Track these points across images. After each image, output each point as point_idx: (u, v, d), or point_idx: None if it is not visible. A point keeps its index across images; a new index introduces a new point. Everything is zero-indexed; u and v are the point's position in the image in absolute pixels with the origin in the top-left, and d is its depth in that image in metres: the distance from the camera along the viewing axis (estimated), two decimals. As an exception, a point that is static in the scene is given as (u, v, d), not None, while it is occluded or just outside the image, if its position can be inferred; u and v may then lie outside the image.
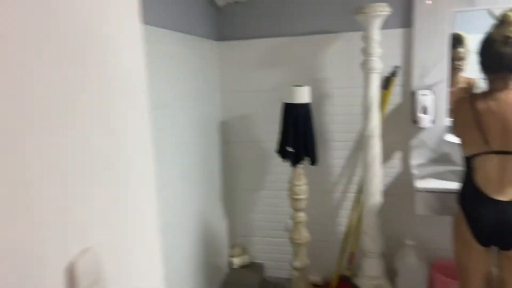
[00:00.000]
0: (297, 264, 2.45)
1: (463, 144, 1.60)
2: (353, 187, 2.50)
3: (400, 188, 2.40)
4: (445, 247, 2.24)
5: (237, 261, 2.66)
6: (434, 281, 2.24)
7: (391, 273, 2.37)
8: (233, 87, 2.60)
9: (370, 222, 2.31)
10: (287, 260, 2.53)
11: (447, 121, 2.19)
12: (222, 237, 2.64)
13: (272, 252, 2.71)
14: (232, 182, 2.69)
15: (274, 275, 2.70)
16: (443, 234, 2.01)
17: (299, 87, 2.25)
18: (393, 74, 2.27)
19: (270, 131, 2.49)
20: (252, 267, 2.68)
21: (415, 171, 2.12)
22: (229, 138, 2.65)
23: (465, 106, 1.57)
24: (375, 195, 2.28)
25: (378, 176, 2.27)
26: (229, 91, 2.61)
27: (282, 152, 2.35)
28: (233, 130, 2.64)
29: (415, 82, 2.22)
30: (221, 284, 2.51)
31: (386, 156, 2.39)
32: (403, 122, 2.32)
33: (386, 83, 2.29)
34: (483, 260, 1.60)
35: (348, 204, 2.52)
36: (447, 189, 1.81)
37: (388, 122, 2.34)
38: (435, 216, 2.06)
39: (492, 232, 1.52)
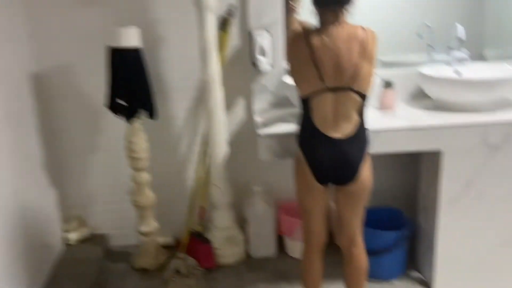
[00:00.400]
0: (144, 228, 2.24)
1: (301, 84, 1.54)
2: (199, 139, 2.35)
3: (246, 135, 2.33)
4: (290, 189, 2.29)
5: (73, 236, 2.32)
6: (281, 222, 2.29)
7: (241, 222, 2.35)
8: (46, 31, 2.13)
9: (217, 173, 2.20)
10: (134, 226, 2.30)
11: (285, 63, 2.15)
12: (50, 212, 2.25)
13: (115, 219, 2.43)
14: (57, 146, 2.28)
15: (120, 243, 2.45)
16: (288, 176, 2.01)
17: (125, 29, 1.93)
18: (229, 14, 2.11)
19: (98, 83, 2.13)
20: (93, 239, 2.37)
21: (257, 117, 2.05)
22: (47, 93, 2.20)
23: (300, 43, 1.50)
24: (221, 145, 2.17)
25: (222, 125, 2.15)
26: (41, 36, 2.13)
27: (113, 106, 2.04)
28: (51, 84, 2.20)
29: (252, 22, 2.10)
30: (53, 265, 2.16)
31: (230, 103, 2.28)
32: (243, 65, 2.21)
33: (223, 24, 2.12)
34: (322, 198, 1.62)
35: (194, 157, 2.37)
36: (288, 132, 1.78)
37: (229, 67, 2.21)
38: (280, 160, 2.04)
39: (329, 170, 1.53)
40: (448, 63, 2.08)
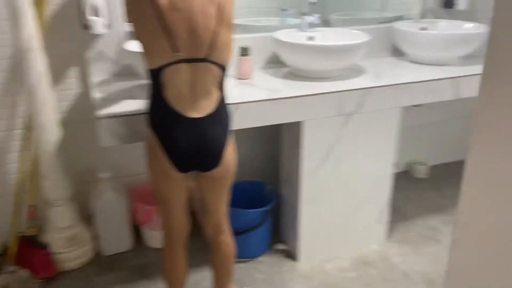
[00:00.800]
0: (-50, 242, 1.72)
1: (148, 53, 1.26)
2: (20, 121, 1.86)
3: (83, 113, 1.94)
4: (143, 171, 2.01)
5: None
6: (136, 211, 2.01)
7: (88, 216, 1.99)
8: None
9: (49, 162, 1.79)
10: None
11: (126, 24, 1.80)
12: None
13: None
14: None
15: None
16: (139, 157, 1.75)
17: None
18: (46, -40, 1.65)
19: None
20: None
21: (96, 92, 1.68)
22: None
23: (141, 1, 1.20)
24: (50, 128, 1.75)
25: (49, 103, 1.73)
26: None
27: None
28: None
29: (79, -28, 1.68)
30: None
31: (58, 75, 1.84)
32: (72, 27, 1.78)
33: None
34: (183, 187, 1.40)
35: (16, 144, 1.89)
36: (136, 110, 1.48)
37: (52, 29, 1.76)
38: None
39: (190, 156, 1.31)
40: (301, 28, 2.01)
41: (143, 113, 1.40)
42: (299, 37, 1.98)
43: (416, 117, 2.60)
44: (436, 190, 2.59)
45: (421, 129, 2.70)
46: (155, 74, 1.26)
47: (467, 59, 2.11)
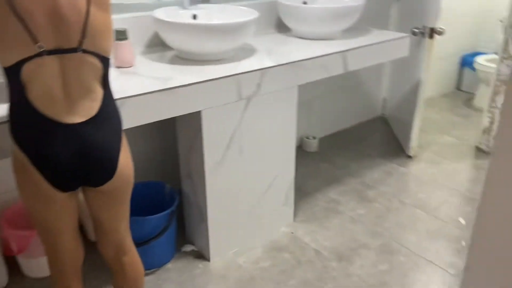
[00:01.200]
0: None
1: (-2, 45, 0.95)
2: None
3: None
4: (11, 188, 1.64)
5: None
6: (8, 239, 1.63)
7: None
8: None
9: None
10: None
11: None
12: None
13: None
14: None
15: None
16: (4, 171, 1.41)
17: None
18: None
19: None
20: None
21: None
22: None
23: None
24: None
25: None
26: None
27: None
28: None
29: None
30: None
31: None
32: None
33: None
34: (70, 209, 1.13)
35: None
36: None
37: None
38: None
39: (74, 171, 1.05)
40: (182, 5, 1.81)
41: (3, 122, 1.08)
42: (182, 15, 1.78)
43: (303, 93, 2.62)
44: (328, 162, 2.66)
45: (308, 104, 2.73)
46: (12, 73, 0.96)
47: (347, 32, 2.14)
